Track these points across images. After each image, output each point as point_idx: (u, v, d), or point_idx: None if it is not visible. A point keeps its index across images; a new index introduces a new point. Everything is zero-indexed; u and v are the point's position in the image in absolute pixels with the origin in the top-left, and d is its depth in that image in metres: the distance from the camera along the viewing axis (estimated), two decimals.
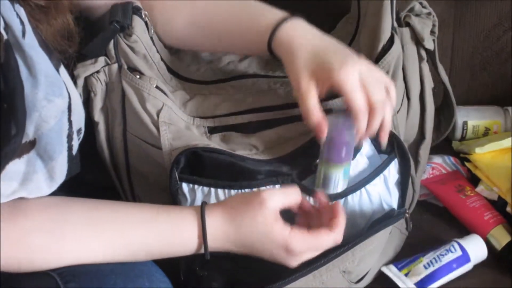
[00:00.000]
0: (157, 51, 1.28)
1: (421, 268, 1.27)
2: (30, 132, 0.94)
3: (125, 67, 1.22)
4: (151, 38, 1.26)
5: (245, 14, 1.23)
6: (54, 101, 0.95)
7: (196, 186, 1.18)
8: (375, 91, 1.09)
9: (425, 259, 1.28)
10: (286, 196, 1.06)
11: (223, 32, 1.25)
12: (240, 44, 1.25)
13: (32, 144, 0.96)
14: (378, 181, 1.22)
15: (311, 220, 1.10)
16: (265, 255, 1.08)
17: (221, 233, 1.05)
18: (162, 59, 1.29)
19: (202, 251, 1.06)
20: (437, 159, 1.53)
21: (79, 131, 1.06)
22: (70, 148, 1.03)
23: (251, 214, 1.04)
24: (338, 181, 1.14)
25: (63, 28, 1.08)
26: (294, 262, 1.07)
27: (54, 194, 1.03)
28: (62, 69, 1.02)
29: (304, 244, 1.05)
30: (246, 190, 1.15)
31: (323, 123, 1.09)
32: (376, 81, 1.10)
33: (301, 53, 1.13)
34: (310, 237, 1.05)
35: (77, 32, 1.12)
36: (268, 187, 1.15)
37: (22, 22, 0.91)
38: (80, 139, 1.08)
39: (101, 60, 1.21)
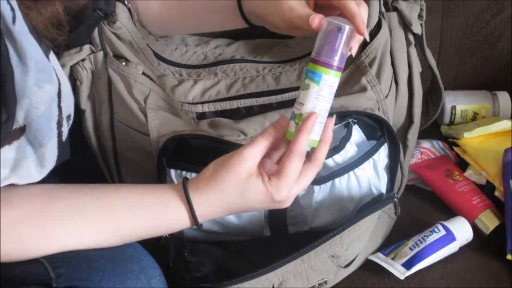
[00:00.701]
0: (143, 37, 1.28)
1: (407, 250, 1.28)
2: (20, 119, 0.95)
3: (111, 54, 1.23)
4: (135, 24, 1.27)
5: None
6: (44, 87, 0.96)
7: (184, 172, 1.19)
8: None
9: (410, 242, 1.29)
10: (260, 145, 1.04)
11: (193, 5, 1.26)
12: (211, 13, 1.25)
13: (22, 130, 0.96)
14: (367, 165, 1.23)
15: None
16: (254, 210, 1.09)
17: (209, 205, 1.06)
18: (148, 45, 1.29)
19: (193, 226, 1.07)
20: (426, 144, 1.55)
21: (68, 117, 1.07)
22: (60, 134, 1.04)
23: (235, 178, 1.04)
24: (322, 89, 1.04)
25: (52, 16, 1.09)
26: (285, 206, 1.08)
27: (43, 181, 1.04)
28: (52, 55, 1.03)
29: (283, 188, 1.04)
30: None
31: (318, 16, 1.06)
32: None
33: None
34: (283, 177, 1.04)
35: (67, 21, 1.13)
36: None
37: (12, 8, 0.91)
38: (70, 125, 1.08)
39: (86, 48, 1.22)
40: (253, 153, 1.03)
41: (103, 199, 1.05)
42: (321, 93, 1.02)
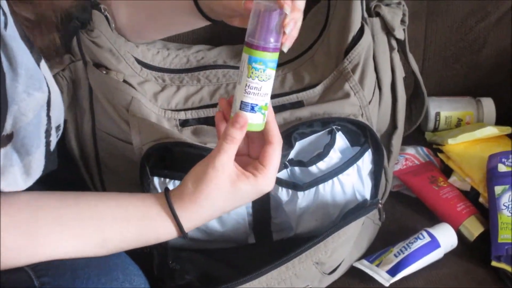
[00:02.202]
0: (123, 44, 1.30)
1: (392, 257, 1.30)
2: (8, 125, 0.95)
3: (91, 63, 1.24)
4: (114, 31, 1.28)
5: None
6: (33, 95, 0.97)
7: (167, 180, 1.21)
8: None
9: (395, 249, 1.31)
10: (228, 151, 1.05)
11: (157, 4, 1.27)
12: (175, 13, 1.27)
13: (9, 137, 0.97)
14: (351, 171, 1.25)
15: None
16: (241, 206, 1.11)
17: (197, 218, 1.08)
18: (128, 51, 1.31)
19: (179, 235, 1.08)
20: (410, 150, 1.56)
21: (58, 127, 1.08)
22: (48, 144, 1.05)
23: (220, 191, 1.05)
24: (261, 72, 1.03)
25: (50, 45, 1.13)
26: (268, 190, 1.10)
27: (29, 189, 1.04)
28: (43, 64, 1.04)
29: (272, 177, 1.07)
30: None
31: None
32: None
33: None
34: (271, 167, 1.06)
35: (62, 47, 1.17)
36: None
37: (4, 13, 0.91)
38: (59, 136, 1.09)
39: (66, 58, 1.24)
40: (226, 161, 1.05)
41: (88, 210, 1.06)
42: (272, 77, 1.04)
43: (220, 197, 1.06)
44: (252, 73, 1.02)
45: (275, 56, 1.03)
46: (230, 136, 1.04)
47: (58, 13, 1.15)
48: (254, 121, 1.05)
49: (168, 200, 1.07)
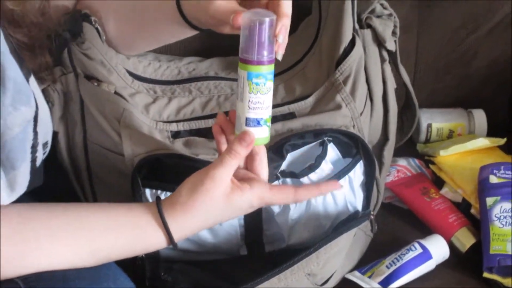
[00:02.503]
0: (114, 56, 1.30)
1: (384, 268, 1.30)
2: None
3: (82, 75, 1.25)
4: (104, 44, 1.29)
5: None
6: (20, 109, 0.97)
7: (159, 191, 1.21)
8: None
9: (387, 260, 1.31)
10: (230, 166, 1.06)
11: (144, 16, 1.27)
12: (161, 24, 1.26)
13: None
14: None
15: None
16: (233, 219, 1.12)
17: (188, 228, 1.08)
18: (120, 63, 1.31)
19: (170, 246, 1.08)
20: (402, 162, 1.57)
21: (45, 144, 1.08)
22: (34, 159, 1.05)
23: (213, 202, 1.06)
24: (262, 86, 1.04)
25: (42, 65, 1.14)
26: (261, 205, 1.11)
27: (20, 200, 1.04)
28: (32, 79, 1.04)
29: (267, 194, 1.08)
30: None
31: (238, 13, 1.04)
32: None
33: None
34: (264, 184, 1.08)
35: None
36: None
37: None
38: (46, 154, 1.10)
39: (57, 70, 1.24)
40: (225, 174, 1.05)
41: (78, 221, 1.06)
42: (272, 88, 1.05)
43: (213, 209, 1.06)
44: (253, 88, 1.03)
45: (272, 67, 1.04)
46: (235, 152, 1.05)
47: (52, 33, 1.16)
48: (260, 135, 1.05)
49: (159, 208, 1.07)
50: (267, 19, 1.01)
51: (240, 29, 1.03)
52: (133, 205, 1.10)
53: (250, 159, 1.10)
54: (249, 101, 1.04)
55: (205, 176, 1.06)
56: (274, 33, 1.01)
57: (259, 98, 1.03)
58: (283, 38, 1.03)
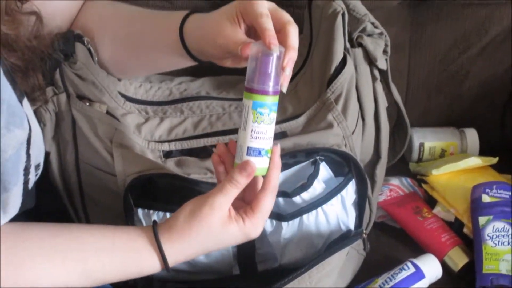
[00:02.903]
0: (105, 77, 1.30)
1: None
2: None
3: (74, 95, 1.25)
4: (96, 64, 1.29)
5: (155, 19, 1.28)
6: (13, 131, 0.98)
7: (151, 211, 1.22)
8: (284, 13, 1.09)
9: (380, 280, 1.31)
10: (230, 195, 1.06)
11: (141, 42, 1.28)
12: (159, 54, 1.27)
13: None
14: (335, 201, 1.26)
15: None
16: (227, 247, 1.14)
17: (183, 254, 1.08)
18: (111, 84, 1.31)
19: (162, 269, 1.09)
20: (395, 181, 1.58)
21: (37, 166, 1.09)
22: (26, 181, 1.05)
23: (210, 230, 1.06)
24: (266, 116, 1.05)
25: (34, 85, 1.15)
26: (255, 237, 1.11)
27: (14, 220, 1.05)
28: (26, 102, 1.05)
29: (260, 224, 1.08)
30: None
31: (246, 44, 1.07)
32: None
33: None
34: (260, 214, 1.07)
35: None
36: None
37: None
38: (38, 176, 1.10)
39: (49, 90, 1.24)
40: (224, 202, 1.06)
41: (73, 242, 1.06)
42: (275, 120, 1.06)
43: (209, 237, 1.07)
44: (257, 118, 1.04)
45: (276, 99, 1.05)
46: (235, 181, 1.06)
47: (45, 55, 1.17)
48: (260, 165, 1.06)
49: (155, 231, 1.07)
50: (275, 51, 1.03)
51: (247, 60, 1.04)
52: (129, 228, 1.11)
53: (249, 189, 1.10)
54: (252, 130, 1.04)
55: (204, 203, 1.06)
56: (281, 65, 1.03)
57: (262, 128, 1.04)
58: (289, 70, 1.04)
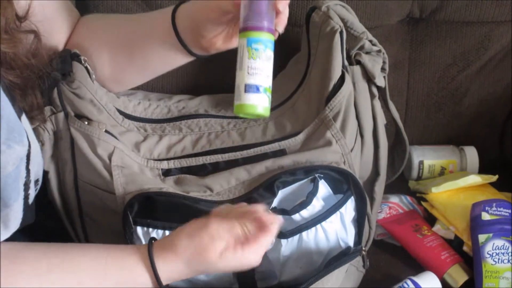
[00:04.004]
0: (104, 95, 1.32)
1: None
2: None
3: (72, 114, 1.26)
4: (94, 82, 1.30)
5: (148, 15, 1.31)
6: (13, 147, 0.99)
7: (150, 229, 1.22)
8: None
9: None
10: (232, 230, 1.09)
11: (135, 39, 1.30)
12: (153, 47, 1.29)
13: None
14: (334, 218, 1.26)
15: None
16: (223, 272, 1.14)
17: (177, 273, 1.10)
18: (109, 102, 1.33)
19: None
20: (394, 199, 1.58)
21: (36, 181, 1.10)
22: (26, 197, 1.07)
23: (208, 260, 1.08)
24: (262, 52, 1.06)
25: (32, 103, 1.16)
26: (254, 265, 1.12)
27: (12, 238, 1.06)
28: (24, 118, 1.07)
29: (256, 256, 1.10)
30: None
31: None
32: None
33: None
34: (257, 248, 1.09)
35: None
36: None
37: None
38: (37, 191, 1.12)
39: (47, 109, 1.26)
40: (225, 233, 1.08)
41: (69, 262, 1.08)
42: (272, 60, 1.07)
43: (205, 262, 1.08)
44: (252, 53, 1.05)
45: (271, 37, 1.05)
46: (247, 229, 1.09)
47: (43, 74, 1.19)
48: (260, 102, 1.06)
49: (149, 249, 1.08)
50: None
51: (238, 10, 1.06)
52: (125, 246, 1.12)
53: None
54: (248, 67, 1.05)
55: (205, 230, 1.08)
56: (274, 6, 1.04)
57: (258, 64, 1.05)
58: (283, 7, 1.06)
